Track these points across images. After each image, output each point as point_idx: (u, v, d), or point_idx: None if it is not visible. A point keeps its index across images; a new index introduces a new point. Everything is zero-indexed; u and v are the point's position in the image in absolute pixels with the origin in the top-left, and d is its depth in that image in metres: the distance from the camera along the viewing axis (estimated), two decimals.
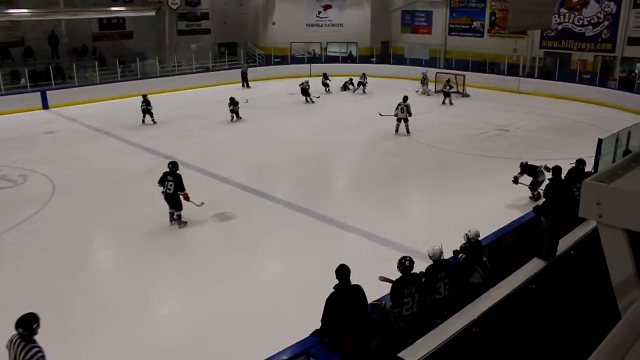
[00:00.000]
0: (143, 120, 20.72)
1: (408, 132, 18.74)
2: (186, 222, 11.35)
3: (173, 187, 10.90)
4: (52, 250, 10.40)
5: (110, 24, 30.30)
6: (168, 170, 11.05)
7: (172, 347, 7.49)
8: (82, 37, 29.09)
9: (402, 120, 18.77)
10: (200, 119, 21.72)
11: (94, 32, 29.81)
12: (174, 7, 30.70)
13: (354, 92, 27.66)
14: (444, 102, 24.61)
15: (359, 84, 27.76)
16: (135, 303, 8.58)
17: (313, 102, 24.72)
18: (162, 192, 11.06)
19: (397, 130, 18.87)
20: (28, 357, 5.03)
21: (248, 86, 29.40)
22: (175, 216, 11.24)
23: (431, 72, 28.36)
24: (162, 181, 11.04)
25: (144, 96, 21.00)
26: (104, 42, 30.02)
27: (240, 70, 30.02)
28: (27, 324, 5.12)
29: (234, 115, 21.15)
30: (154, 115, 20.84)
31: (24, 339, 5.12)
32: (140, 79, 27.99)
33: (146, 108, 20.66)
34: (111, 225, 11.69)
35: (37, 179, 14.47)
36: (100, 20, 29.72)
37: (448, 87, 25.23)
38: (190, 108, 24.05)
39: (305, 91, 24.84)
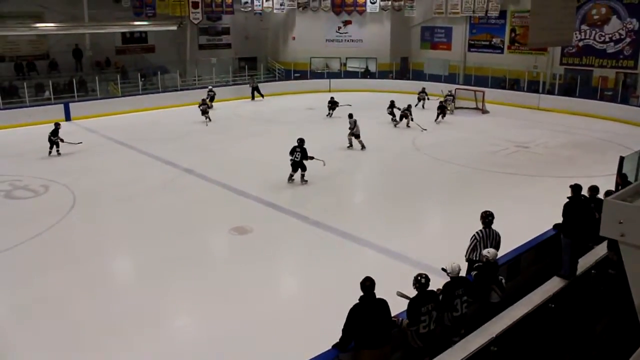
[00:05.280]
0: (50, 152, 18.00)
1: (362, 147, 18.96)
2: (307, 181, 14.98)
3: (300, 156, 14.67)
4: (71, 261, 10.51)
5: (132, 38, 30.85)
6: (297, 144, 14.79)
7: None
8: (105, 51, 29.59)
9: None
10: (218, 133, 21.87)
11: (117, 45, 30.33)
12: (196, 22, 31.07)
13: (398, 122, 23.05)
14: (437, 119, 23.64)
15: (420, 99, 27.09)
16: (152, 315, 8.61)
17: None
18: (291, 159, 14.78)
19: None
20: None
21: (262, 96, 30.42)
22: (300, 175, 14.99)
23: (450, 87, 28.26)
24: (292, 152, 14.79)
25: (56, 124, 18.29)
26: (127, 56, 30.51)
27: (250, 86, 30.66)
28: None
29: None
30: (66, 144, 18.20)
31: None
32: (162, 92, 28.31)
33: (51, 138, 17.96)
34: (129, 238, 11.79)
35: (58, 189, 14.67)
36: (123, 34, 30.23)
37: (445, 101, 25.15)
38: (213, 122, 24.07)
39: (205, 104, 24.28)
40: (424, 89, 27.77)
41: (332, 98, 25.18)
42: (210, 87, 28.06)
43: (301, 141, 14.88)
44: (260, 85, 31.17)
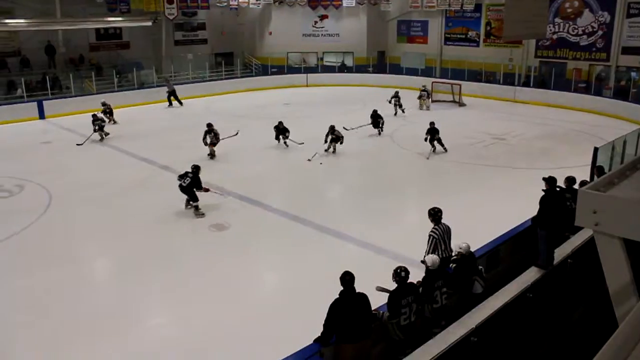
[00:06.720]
0: None
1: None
2: (204, 214, 12.52)
3: (188, 183, 12.44)
4: (47, 261, 10.37)
5: (107, 34, 30.43)
6: (190, 170, 12.67)
7: (167, 358, 7.46)
8: (79, 47, 29.17)
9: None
10: (195, 129, 21.64)
11: (91, 42, 29.93)
12: (171, 17, 30.75)
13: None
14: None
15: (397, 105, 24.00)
16: (131, 314, 8.57)
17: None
18: (178, 184, 12.54)
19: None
20: None
21: (180, 103, 27.01)
22: (192, 205, 12.65)
23: (427, 81, 28.41)
24: (182, 176, 12.67)
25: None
26: (101, 52, 30.12)
27: (166, 90, 27.01)
28: None
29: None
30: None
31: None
32: (137, 88, 28.00)
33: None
34: (106, 236, 11.65)
35: (33, 189, 14.44)
36: (97, 30, 29.82)
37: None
38: (185, 118, 24.04)
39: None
40: (397, 92, 24.57)
41: (280, 123, 19.04)
42: (103, 100, 23.24)
43: (195, 168, 12.73)
44: (237, 81, 30.93)
